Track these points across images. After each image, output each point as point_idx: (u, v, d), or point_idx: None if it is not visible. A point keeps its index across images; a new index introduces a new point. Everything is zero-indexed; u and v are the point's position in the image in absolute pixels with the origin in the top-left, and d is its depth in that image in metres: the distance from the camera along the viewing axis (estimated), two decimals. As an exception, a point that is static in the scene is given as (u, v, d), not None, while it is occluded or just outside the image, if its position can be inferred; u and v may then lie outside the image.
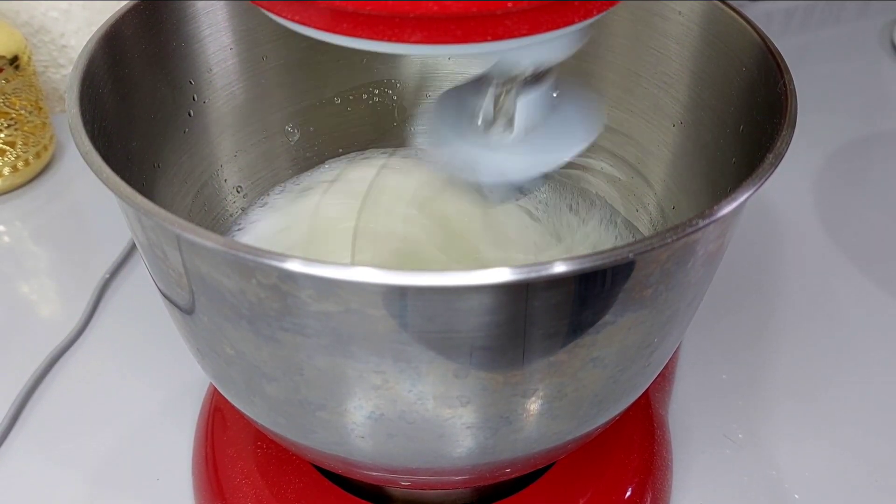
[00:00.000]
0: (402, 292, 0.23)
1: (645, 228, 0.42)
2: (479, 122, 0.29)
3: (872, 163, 0.63)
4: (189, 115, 0.39)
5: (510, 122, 0.28)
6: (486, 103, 0.29)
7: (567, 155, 0.29)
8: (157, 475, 0.41)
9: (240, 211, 0.43)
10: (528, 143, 0.28)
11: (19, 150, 0.57)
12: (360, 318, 0.24)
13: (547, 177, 0.29)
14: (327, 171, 0.45)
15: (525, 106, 0.28)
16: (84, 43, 0.32)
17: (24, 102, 0.56)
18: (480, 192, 0.30)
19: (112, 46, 0.33)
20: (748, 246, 0.54)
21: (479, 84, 0.29)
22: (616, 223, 0.43)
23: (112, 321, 0.49)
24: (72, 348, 0.48)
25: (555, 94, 0.29)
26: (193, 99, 0.39)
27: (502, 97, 0.28)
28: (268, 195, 0.44)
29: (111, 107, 0.32)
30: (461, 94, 0.30)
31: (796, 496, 0.41)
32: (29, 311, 0.50)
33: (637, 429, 0.40)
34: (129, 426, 0.44)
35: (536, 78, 0.28)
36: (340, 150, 0.46)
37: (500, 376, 0.26)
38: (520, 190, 0.30)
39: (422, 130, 0.47)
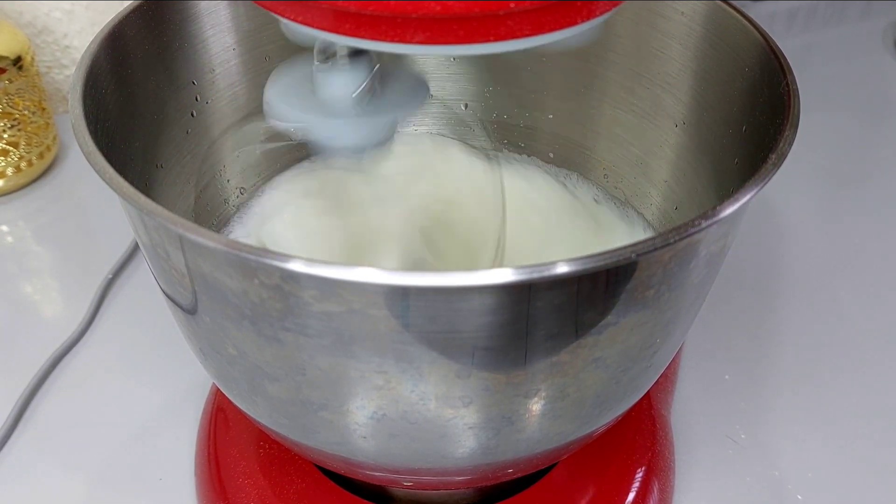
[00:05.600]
0: (404, 293, 0.23)
1: (647, 229, 0.42)
2: (363, 95, 0.30)
3: (875, 163, 0.63)
4: (192, 115, 0.39)
5: (377, 92, 0.31)
6: (370, 77, 0.30)
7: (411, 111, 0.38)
8: (159, 475, 0.42)
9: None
10: (390, 107, 0.32)
11: (22, 150, 0.57)
12: (362, 319, 0.24)
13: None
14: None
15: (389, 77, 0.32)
16: (87, 43, 0.32)
17: (28, 103, 0.56)
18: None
19: (115, 47, 0.33)
20: (751, 246, 0.54)
21: (341, 60, 0.30)
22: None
23: (115, 321, 0.49)
24: (75, 348, 0.48)
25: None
26: (196, 99, 0.39)
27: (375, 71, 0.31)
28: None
29: (114, 107, 0.32)
30: (304, 73, 0.31)
31: (799, 497, 0.41)
32: (32, 312, 0.50)
33: (639, 429, 0.40)
34: (131, 426, 0.44)
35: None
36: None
37: (502, 377, 0.26)
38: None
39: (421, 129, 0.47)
